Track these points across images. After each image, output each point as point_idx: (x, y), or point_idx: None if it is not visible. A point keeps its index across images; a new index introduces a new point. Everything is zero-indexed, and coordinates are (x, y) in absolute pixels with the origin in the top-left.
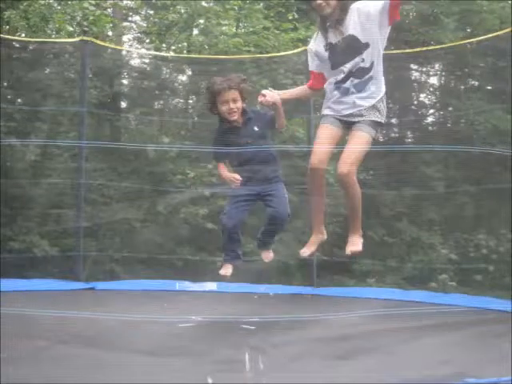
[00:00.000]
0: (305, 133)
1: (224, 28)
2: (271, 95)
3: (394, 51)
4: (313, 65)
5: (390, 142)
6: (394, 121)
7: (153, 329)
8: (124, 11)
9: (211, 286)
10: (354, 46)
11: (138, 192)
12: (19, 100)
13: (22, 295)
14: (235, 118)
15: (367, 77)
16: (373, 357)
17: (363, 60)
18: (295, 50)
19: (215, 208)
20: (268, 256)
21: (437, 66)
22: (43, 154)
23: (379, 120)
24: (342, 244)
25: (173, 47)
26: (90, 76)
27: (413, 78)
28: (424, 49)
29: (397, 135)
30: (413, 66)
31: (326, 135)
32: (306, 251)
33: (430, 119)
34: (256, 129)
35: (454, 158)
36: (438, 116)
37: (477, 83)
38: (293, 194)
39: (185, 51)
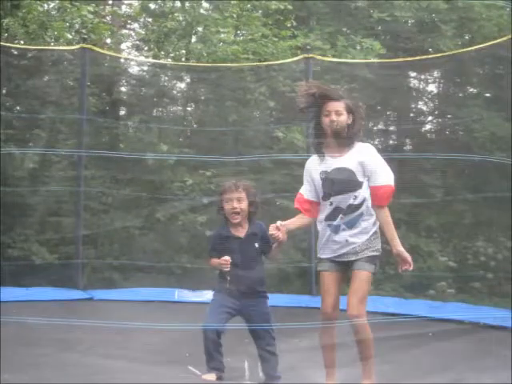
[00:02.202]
0: (303, 140)
1: (222, 36)
2: (283, 233)
3: (393, 59)
4: (306, 191)
5: (389, 149)
6: (392, 128)
7: (151, 337)
8: (122, 19)
9: (210, 294)
10: (349, 181)
11: (137, 200)
12: (18, 107)
13: (21, 304)
14: (237, 220)
15: (357, 213)
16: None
17: (355, 198)
18: (294, 58)
19: (213, 215)
20: None
21: (435, 73)
22: (42, 162)
23: (375, 254)
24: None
25: (171, 55)
26: (89, 84)
27: (411, 85)
28: (424, 57)
29: (395, 143)
30: (411, 74)
31: (329, 283)
32: None
33: (428, 127)
34: (256, 246)
35: (452, 166)
36: (437, 123)
37: (475, 91)
38: (291, 202)
39: (183, 59)
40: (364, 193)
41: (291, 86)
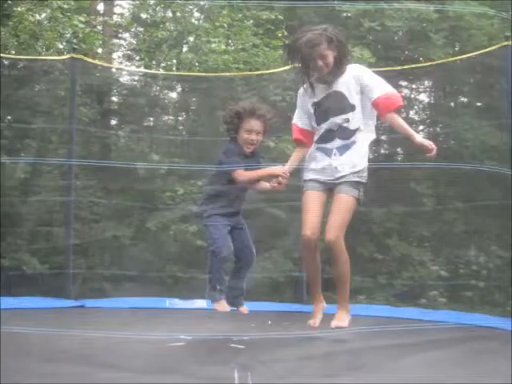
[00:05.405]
0: (294, 150)
1: (213, 45)
2: (285, 181)
3: (384, 68)
4: (299, 120)
5: (380, 158)
6: (384, 137)
7: (141, 347)
8: (114, 28)
9: (201, 303)
10: (340, 103)
11: (128, 209)
12: (9, 117)
13: (10, 313)
14: (250, 150)
15: (350, 141)
16: (362, 374)
17: (347, 120)
18: (285, 67)
19: None
20: (245, 310)
21: (426, 82)
22: (33, 172)
23: (361, 180)
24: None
25: (162, 64)
26: (80, 93)
27: (402, 94)
28: (414, 66)
29: (387, 152)
30: (402, 83)
31: (313, 203)
32: (315, 322)
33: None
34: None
35: (443, 175)
36: (428, 133)
37: (466, 100)
38: (282, 211)
39: (174, 68)
40: (358, 119)
41: (282, 95)
